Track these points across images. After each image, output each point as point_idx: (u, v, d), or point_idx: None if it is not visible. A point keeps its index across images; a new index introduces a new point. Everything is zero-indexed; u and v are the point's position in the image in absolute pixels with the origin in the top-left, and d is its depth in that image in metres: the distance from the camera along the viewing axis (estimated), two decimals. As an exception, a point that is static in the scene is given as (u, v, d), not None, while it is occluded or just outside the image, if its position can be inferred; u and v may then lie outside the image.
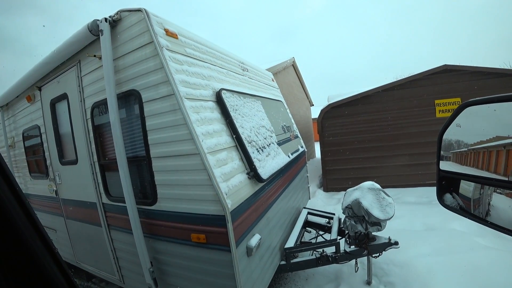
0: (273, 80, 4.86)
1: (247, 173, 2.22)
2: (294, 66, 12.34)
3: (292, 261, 3.07)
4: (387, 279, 3.32)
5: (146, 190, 2.30)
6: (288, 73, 11.15)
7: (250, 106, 2.82)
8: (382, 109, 7.15)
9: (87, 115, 2.62)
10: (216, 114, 2.22)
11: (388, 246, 3.12)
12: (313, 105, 17.03)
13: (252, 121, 2.64)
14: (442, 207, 0.80)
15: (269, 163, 2.56)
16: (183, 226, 2.06)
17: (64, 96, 2.87)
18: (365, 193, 2.97)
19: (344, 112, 7.36)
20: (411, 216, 5.01)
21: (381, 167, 7.22)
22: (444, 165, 0.78)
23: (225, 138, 2.16)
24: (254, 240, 2.17)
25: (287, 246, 3.04)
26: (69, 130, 2.89)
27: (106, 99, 2.20)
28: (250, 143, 2.34)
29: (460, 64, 6.66)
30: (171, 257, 2.21)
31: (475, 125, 0.68)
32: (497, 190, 0.63)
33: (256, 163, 2.27)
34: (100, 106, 2.49)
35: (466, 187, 0.73)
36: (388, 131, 7.14)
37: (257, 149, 2.44)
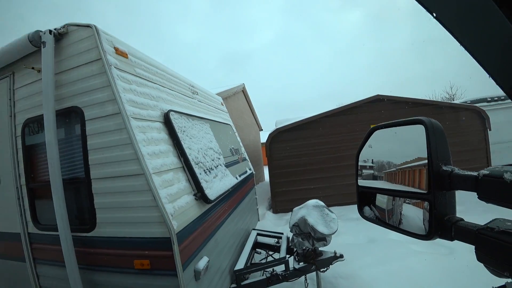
0: (222, 104, 4.96)
1: (194, 194, 2.21)
2: (244, 92, 12.71)
3: (242, 283, 3.01)
4: None
5: (83, 215, 2.13)
6: (238, 99, 11.44)
7: (199, 128, 2.85)
8: (326, 133, 7.74)
9: (17, 132, 2.38)
10: (164, 135, 2.20)
11: (334, 259, 3.28)
12: (262, 130, 17.50)
13: (200, 143, 2.66)
14: (363, 219, 0.89)
15: (217, 184, 2.58)
16: (125, 253, 1.94)
17: (-12, 111, 2.58)
18: (311, 210, 3.13)
19: (291, 136, 7.76)
20: (355, 231, 5.37)
21: (327, 187, 7.67)
22: (362, 182, 0.89)
23: (172, 159, 2.14)
24: (202, 263, 2.12)
25: (236, 268, 3.00)
26: (-10, 149, 2.57)
27: (42, 115, 2.05)
28: (197, 164, 2.35)
29: (390, 95, 7.72)
30: (113, 289, 2.04)
31: (381, 145, 0.84)
32: (406, 201, 0.74)
33: (203, 184, 2.27)
34: (34, 123, 2.29)
35: (381, 199, 0.83)
36: (332, 154, 7.71)
37: (204, 170, 2.45)
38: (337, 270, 3.67)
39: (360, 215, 0.89)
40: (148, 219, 1.83)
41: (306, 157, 7.77)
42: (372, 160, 0.84)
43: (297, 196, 7.45)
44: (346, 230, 5.39)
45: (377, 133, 0.84)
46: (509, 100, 9.39)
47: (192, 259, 2.02)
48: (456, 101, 9.60)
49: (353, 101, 7.86)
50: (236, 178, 3.36)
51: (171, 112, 2.39)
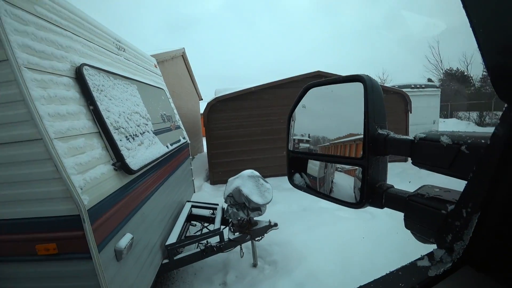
0: (156, 67, 4.46)
1: (113, 164, 1.89)
2: (184, 57, 11.84)
3: (175, 258, 2.92)
4: (270, 258, 3.61)
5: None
6: (177, 64, 10.62)
7: (122, 89, 2.45)
8: (265, 105, 7.72)
9: None
10: (74, 93, 1.80)
11: (268, 228, 3.37)
12: (202, 99, 16.83)
13: (123, 106, 2.29)
14: (293, 187, 0.84)
15: (142, 152, 2.28)
16: (24, 237, 1.59)
17: None
18: (245, 180, 3.08)
19: (230, 107, 7.54)
20: (289, 200, 5.61)
21: (264, 158, 7.78)
22: (293, 147, 0.83)
23: (84, 122, 1.78)
24: (124, 241, 1.89)
25: (168, 242, 2.85)
26: None
27: None
28: (117, 129, 2.01)
29: (330, 72, 7.98)
30: (11, 282, 1.69)
31: (317, 105, 0.77)
32: (338, 169, 0.71)
33: (124, 152, 1.96)
34: None
35: (313, 167, 0.79)
36: (270, 125, 7.77)
37: (126, 136, 2.12)
38: (271, 237, 3.77)
39: (290, 183, 0.84)
40: (51, 195, 1.50)
41: (244, 128, 7.69)
42: (309, 134, 0.80)
43: (235, 167, 7.38)
44: (281, 199, 5.59)
45: (312, 91, 0.77)
46: (429, 89, 11.07)
47: (111, 238, 1.77)
48: (386, 85, 10.68)
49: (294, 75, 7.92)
50: (167, 146, 3.06)
51: (86, 67, 1.97)
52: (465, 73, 25.45)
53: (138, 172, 2.13)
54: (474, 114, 20.50)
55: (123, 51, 3.08)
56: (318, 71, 7.91)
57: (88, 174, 1.61)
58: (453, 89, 24.03)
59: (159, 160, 2.71)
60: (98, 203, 1.63)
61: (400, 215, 0.56)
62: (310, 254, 3.57)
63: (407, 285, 0.49)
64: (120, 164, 1.92)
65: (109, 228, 1.75)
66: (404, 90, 9.31)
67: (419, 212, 0.53)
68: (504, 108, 0.42)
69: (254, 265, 3.46)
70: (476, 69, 24.08)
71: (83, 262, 1.59)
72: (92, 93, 1.90)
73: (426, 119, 10.62)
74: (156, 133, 2.93)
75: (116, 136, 1.94)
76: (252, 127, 7.70)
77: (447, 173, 0.49)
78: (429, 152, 0.51)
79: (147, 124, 2.69)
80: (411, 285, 0.49)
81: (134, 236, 2.03)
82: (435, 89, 11.30)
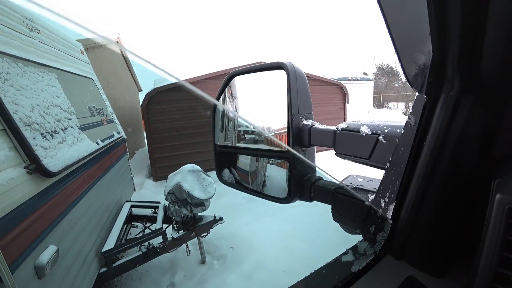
0: (82, 53, 3.97)
1: (26, 167, 1.59)
2: (119, 43, 10.82)
3: (115, 265, 2.67)
4: (219, 253, 3.55)
5: None
6: (111, 51, 9.65)
7: (35, 78, 2.08)
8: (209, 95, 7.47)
9: None
10: (-35, 83, 1.47)
11: (214, 223, 3.30)
12: (141, 90, 15.75)
13: (37, 98, 1.94)
14: (222, 183, 0.81)
15: (64, 151, 1.97)
16: None
17: None
18: (186, 176, 2.97)
19: (171, 97, 7.13)
20: (235, 193, 5.47)
21: (209, 151, 7.54)
22: (220, 140, 0.81)
23: (-18, 119, 1.46)
24: (46, 255, 1.63)
25: (104, 249, 2.59)
26: None
27: None
28: (29, 126, 1.69)
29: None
30: None
31: (241, 93, 0.76)
32: (270, 161, 0.70)
33: (40, 152, 1.65)
34: None
35: (244, 161, 0.77)
36: (213, 117, 7.55)
37: (42, 134, 1.80)
38: (219, 231, 3.72)
39: (219, 179, 0.82)
40: None
41: (187, 120, 7.36)
42: (254, 125, 0.79)
43: (178, 161, 7.04)
44: (226, 192, 5.48)
45: (238, 80, 0.76)
46: (363, 81, 12.43)
47: (28, 253, 1.51)
48: (327, 77, 11.53)
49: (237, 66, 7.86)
50: (97, 143, 2.74)
51: (-20, 51, 1.62)
52: (394, 68, 28.41)
53: (59, 175, 1.84)
54: (401, 105, 23.18)
55: (37, 33, 2.64)
56: (261, 63, 7.97)
57: (-13, 183, 1.32)
58: (384, 82, 26.90)
59: (87, 159, 2.41)
60: (7, 215, 1.35)
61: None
62: (257, 244, 3.61)
63: (330, 284, 0.48)
64: (34, 166, 1.62)
65: (25, 242, 1.49)
66: (342, 82, 10.17)
67: (345, 204, 0.53)
68: (415, 97, 0.43)
69: (203, 261, 3.38)
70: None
71: (-7, 287, 1.33)
72: (-9, 82, 1.56)
73: (361, 109, 11.89)
74: (83, 128, 2.58)
75: (27, 134, 1.62)
76: (195, 119, 7.41)
77: (368, 164, 0.49)
78: (350, 143, 0.51)
79: (70, 119, 2.34)
80: (333, 284, 0.47)
81: (59, 247, 1.77)
82: (369, 81, 12.81)
